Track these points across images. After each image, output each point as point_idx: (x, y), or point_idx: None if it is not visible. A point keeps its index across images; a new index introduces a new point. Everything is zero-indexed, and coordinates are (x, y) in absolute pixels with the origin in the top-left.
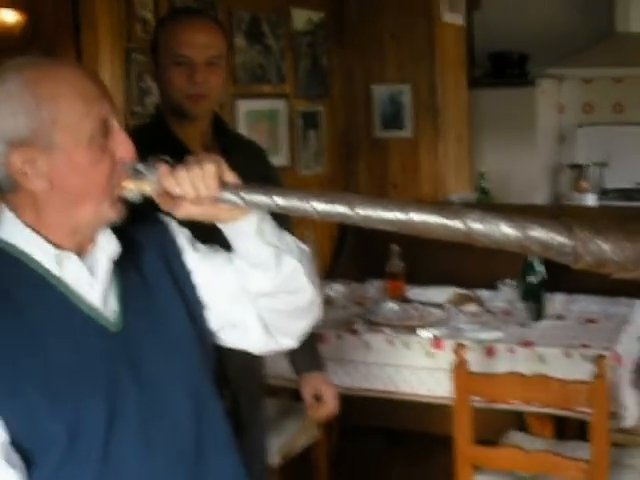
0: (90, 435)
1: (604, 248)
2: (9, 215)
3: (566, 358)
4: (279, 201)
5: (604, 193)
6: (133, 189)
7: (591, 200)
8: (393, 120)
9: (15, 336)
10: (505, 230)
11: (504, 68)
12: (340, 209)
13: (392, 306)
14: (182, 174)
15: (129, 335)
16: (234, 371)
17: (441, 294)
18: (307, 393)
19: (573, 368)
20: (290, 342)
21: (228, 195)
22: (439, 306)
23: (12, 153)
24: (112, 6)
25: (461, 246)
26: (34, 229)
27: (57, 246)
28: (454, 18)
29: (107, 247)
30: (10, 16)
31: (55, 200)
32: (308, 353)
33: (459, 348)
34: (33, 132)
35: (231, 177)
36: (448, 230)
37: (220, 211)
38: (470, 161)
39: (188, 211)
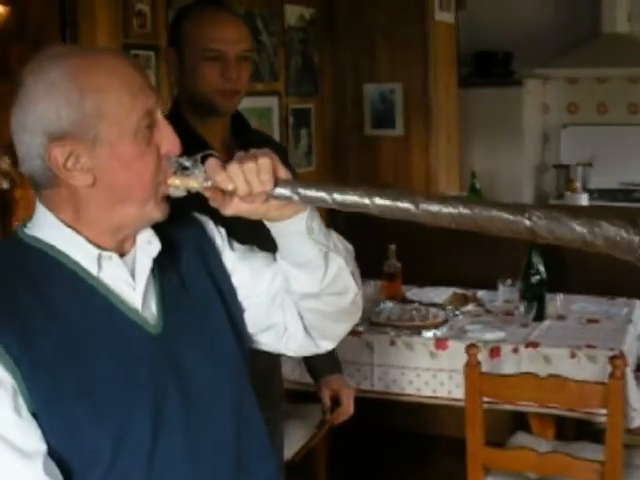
0: (135, 447)
1: None
2: (46, 213)
3: (571, 359)
4: (337, 197)
5: (588, 193)
6: (179, 185)
7: (584, 200)
8: (384, 119)
9: (58, 342)
10: (571, 225)
11: (489, 67)
12: (403, 205)
13: (392, 306)
14: (235, 168)
15: (170, 338)
16: (256, 374)
17: (440, 294)
18: (326, 396)
19: (579, 369)
20: (330, 345)
21: (282, 190)
22: (440, 306)
23: (54, 147)
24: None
25: (458, 246)
26: (74, 228)
27: (97, 246)
28: (445, 17)
29: (148, 246)
30: None
31: (98, 197)
32: (327, 355)
33: (471, 348)
34: (76, 125)
35: (284, 173)
36: (513, 226)
37: (270, 208)
38: (460, 160)
39: (238, 208)
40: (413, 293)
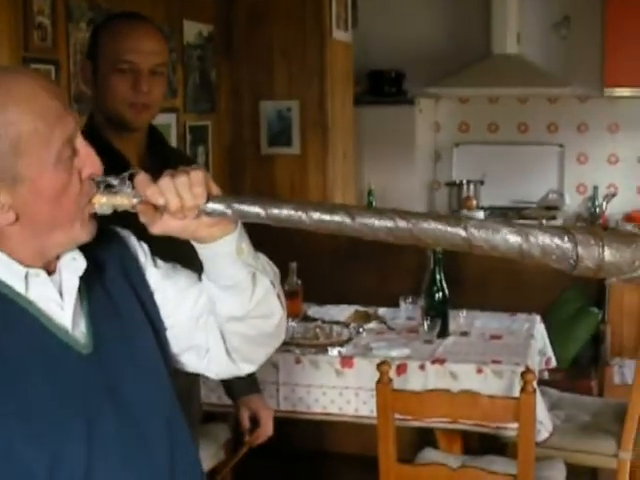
0: (71, 468)
1: (604, 252)
2: None
3: (477, 374)
4: (272, 211)
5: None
6: (105, 203)
7: (481, 217)
8: (281, 136)
9: None
10: (506, 235)
11: (382, 86)
12: (339, 218)
13: (296, 325)
14: (167, 182)
15: (101, 357)
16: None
17: (341, 312)
18: (245, 417)
19: (485, 384)
20: (251, 368)
21: (215, 205)
22: (343, 324)
23: None
24: (10, 12)
25: (355, 264)
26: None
27: (23, 265)
28: (342, 35)
29: (73, 264)
30: None
31: (22, 231)
32: (246, 376)
33: (382, 365)
34: None
35: (216, 189)
36: (449, 236)
37: (201, 226)
38: (355, 177)
39: (167, 225)
40: (314, 311)
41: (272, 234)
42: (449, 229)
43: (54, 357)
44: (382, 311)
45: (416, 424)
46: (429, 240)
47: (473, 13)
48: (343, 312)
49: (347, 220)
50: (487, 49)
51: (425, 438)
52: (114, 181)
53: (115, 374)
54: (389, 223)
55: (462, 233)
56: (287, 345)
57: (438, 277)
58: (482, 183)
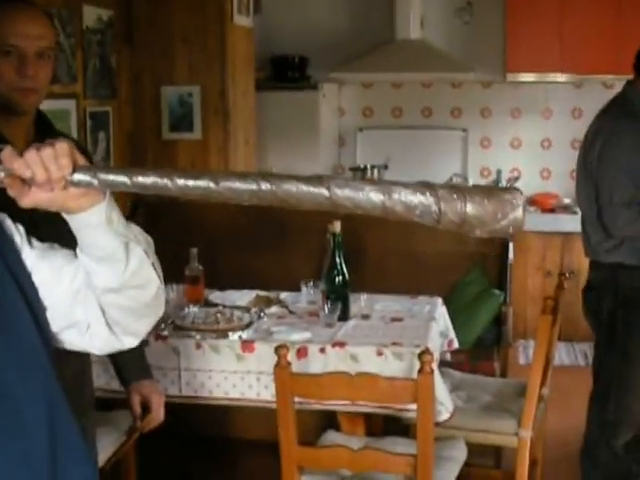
0: None
1: (466, 205)
2: None
3: (378, 357)
4: (137, 179)
5: None
6: None
7: None
8: (182, 122)
9: None
10: (369, 193)
11: (285, 71)
12: (203, 183)
13: (197, 310)
14: (32, 155)
15: None
16: (66, 382)
17: (242, 297)
18: (135, 403)
19: (385, 366)
20: (133, 341)
21: (81, 176)
22: (244, 309)
23: None
24: None
25: (257, 249)
26: None
27: None
28: (243, 20)
29: None
30: None
31: None
32: (137, 361)
33: (280, 349)
34: None
35: (82, 160)
36: (313, 197)
37: (69, 197)
38: (257, 164)
39: (36, 197)
40: (215, 296)
41: (174, 220)
42: (312, 189)
43: None
44: (283, 295)
45: (317, 407)
46: (293, 201)
47: None
48: (244, 297)
49: (211, 185)
50: (391, 34)
51: (328, 421)
52: None
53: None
54: (253, 186)
55: (325, 193)
56: (188, 331)
57: (338, 260)
58: (386, 167)
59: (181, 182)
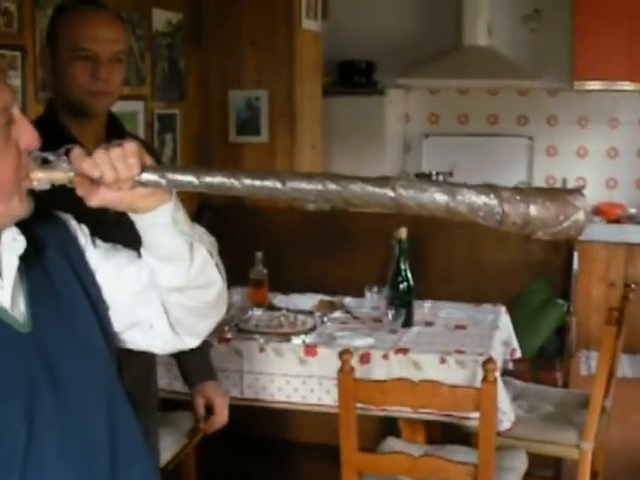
0: (10, 448)
1: (529, 207)
2: None
3: (441, 364)
4: (205, 179)
5: None
6: (42, 178)
7: None
8: (249, 125)
9: None
10: (434, 194)
11: (352, 76)
12: (270, 183)
13: (260, 314)
14: (101, 155)
15: (40, 336)
16: (131, 382)
17: (306, 301)
18: (199, 405)
19: (448, 374)
20: (195, 341)
21: (150, 176)
22: (308, 313)
23: None
24: None
25: (321, 253)
26: None
27: None
28: (312, 25)
29: (14, 244)
30: None
31: None
32: (202, 362)
33: (344, 354)
34: None
35: (149, 160)
36: (378, 198)
37: (136, 197)
38: (323, 168)
39: (104, 197)
40: (279, 300)
41: (239, 223)
42: (377, 190)
43: None
44: (347, 300)
45: (378, 413)
46: (358, 201)
47: (444, 4)
48: (308, 301)
49: (278, 185)
50: (458, 40)
51: (388, 427)
52: (50, 156)
53: (54, 355)
54: (319, 186)
55: (390, 193)
56: (251, 333)
57: (403, 267)
58: (451, 174)
59: (248, 182)
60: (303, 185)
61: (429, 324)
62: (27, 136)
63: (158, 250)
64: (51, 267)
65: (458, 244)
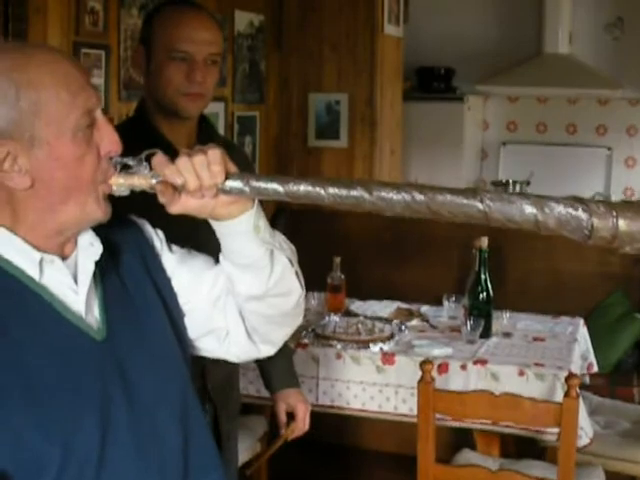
0: (84, 457)
1: (618, 221)
2: None
3: (519, 377)
4: (290, 187)
5: None
6: (123, 184)
7: None
8: (328, 129)
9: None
10: (522, 206)
11: (431, 82)
12: (357, 193)
13: (338, 320)
14: (184, 161)
15: (115, 343)
16: (215, 386)
17: (383, 308)
18: (281, 411)
19: (526, 386)
20: (271, 349)
21: (233, 183)
22: (385, 321)
23: None
24: None
25: (399, 261)
26: (12, 232)
27: (38, 249)
28: (393, 30)
29: (90, 249)
30: None
31: (36, 199)
32: (284, 369)
33: (425, 364)
34: (13, 124)
35: (233, 167)
36: (467, 209)
37: (219, 205)
38: (402, 174)
39: (186, 204)
40: (356, 306)
41: (316, 228)
42: (465, 201)
43: (66, 342)
44: (425, 309)
45: (455, 424)
46: (446, 213)
47: (525, 11)
48: (386, 308)
49: (365, 195)
50: (538, 48)
51: (462, 439)
52: (131, 162)
53: (127, 362)
54: (406, 197)
55: (479, 205)
56: (328, 340)
57: (483, 277)
58: (528, 183)
59: (334, 191)
60: (391, 195)
61: (507, 335)
62: (108, 141)
63: (238, 258)
64: (126, 272)
65: (536, 255)
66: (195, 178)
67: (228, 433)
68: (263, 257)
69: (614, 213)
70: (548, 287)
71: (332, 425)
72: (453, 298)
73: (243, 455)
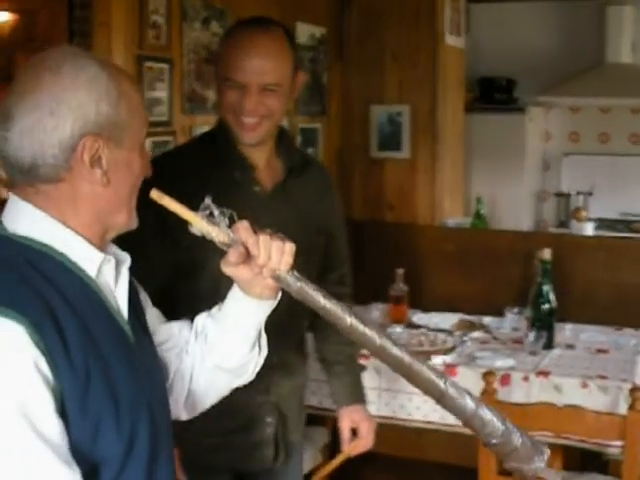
0: (140, 452)
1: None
2: (34, 210)
3: (582, 389)
4: (326, 303)
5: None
6: (203, 228)
7: (589, 229)
8: (390, 141)
9: (80, 332)
10: (467, 402)
11: (492, 93)
12: (368, 332)
13: (400, 331)
14: (267, 239)
15: (140, 347)
16: (281, 399)
17: (445, 320)
18: (345, 427)
19: (589, 399)
20: (186, 416)
21: (289, 277)
22: (447, 332)
23: (87, 139)
24: (127, 9)
25: (461, 272)
26: (70, 228)
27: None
28: (455, 41)
29: (123, 255)
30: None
31: (102, 200)
32: (352, 384)
33: (488, 376)
34: (110, 124)
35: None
36: (430, 384)
37: (261, 285)
38: (464, 185)
39: (240, 271)
40: (419, 317)
41: (379, 239)
42: (434, 378)
43: (122, 342)
44: (487, 320)
45: None
46: (414, 379)
47: (587, 21)
48: (448, 320)
49: (374, 337)
50: (600, 58)
51: None
52: (216, 211)
53: (151, 368)
54: (397, 354)
55: (441, 386)
56: None
57: (546, 288)
58: (590, 194)
59: (353, 322)
60: (389, 350)
61: (570, 347)
62: (146, 163)
63: (237, 330)
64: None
65: (599, 266)
66: (267, 257)
67: (293, 445)
68: (253, 337)
69: (517, 432)
70: (611, 298)
71: (393, 437)
72: (516, 309)
73: (305, 465)
